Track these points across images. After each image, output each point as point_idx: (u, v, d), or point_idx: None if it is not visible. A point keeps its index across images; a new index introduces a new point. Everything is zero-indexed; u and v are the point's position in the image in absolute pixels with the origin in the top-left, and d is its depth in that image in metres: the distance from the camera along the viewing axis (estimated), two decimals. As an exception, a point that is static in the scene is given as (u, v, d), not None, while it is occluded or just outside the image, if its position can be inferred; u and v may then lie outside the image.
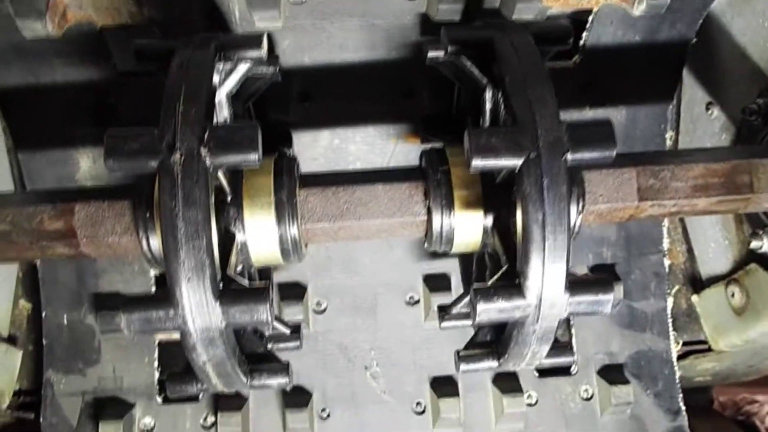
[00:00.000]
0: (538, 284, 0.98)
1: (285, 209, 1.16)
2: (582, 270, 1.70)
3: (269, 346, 1.33)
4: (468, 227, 1.20)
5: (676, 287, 1.78)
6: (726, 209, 1.30)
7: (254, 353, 1.18)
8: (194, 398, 1.62)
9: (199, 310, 0.94)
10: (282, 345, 1.36)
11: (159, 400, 1.61)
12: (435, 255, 1.66)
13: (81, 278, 1.62)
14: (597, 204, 1.22)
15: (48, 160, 1.54)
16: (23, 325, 1.71)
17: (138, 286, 1.62)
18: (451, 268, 1.66)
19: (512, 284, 1.00)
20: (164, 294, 0.96)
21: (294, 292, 1.63)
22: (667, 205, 1.25)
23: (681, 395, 1.68)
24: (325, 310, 1.65)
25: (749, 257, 1.55)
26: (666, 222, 1.73)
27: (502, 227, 1.17)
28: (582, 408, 1.66)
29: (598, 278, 1.04)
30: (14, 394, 1.68)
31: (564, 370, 1.69)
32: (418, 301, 1.66)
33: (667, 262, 1.73)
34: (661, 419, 1.67)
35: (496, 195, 1.17)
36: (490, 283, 1.05)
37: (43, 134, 1.52)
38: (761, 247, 1.42)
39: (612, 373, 1.66)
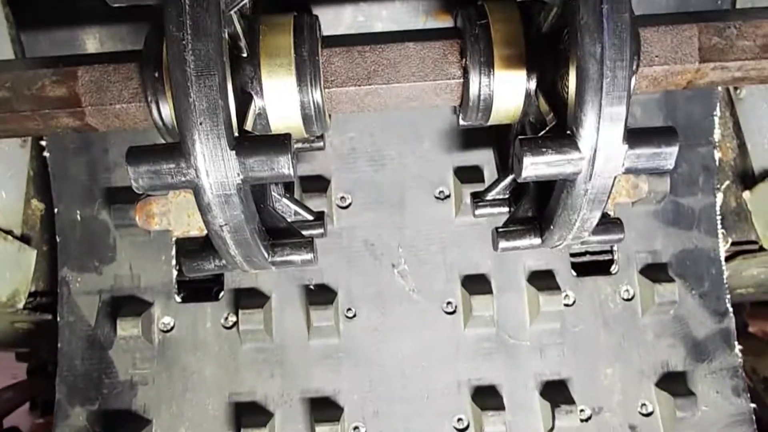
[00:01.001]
0: (593, 132, 0.86)
1: (306, 69, 1.05)
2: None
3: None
4: (509, 89, 1.08)
5: (726, 184, 1.65)
6: (796, 75, 1.17)
7: (275, 228, 1.09)
8: (214, 297, 1.55)
9: (213, 159, 0.85)
10: (305, 233, 1.27)
11: (178, 299, 1.54)
12: (467, 146, 1.56)
13: (93, 173, 1.54)
14: (652, 66, 1.09)
15: (52, 41, 1.44)
16: (36, 225, 1.65)
17: (152, 181, 1.54)
18: (484, 159, 1.55)
19: (563, 135, 0.89)
20: (175, 144, 0.86)
21: (317, 185, 1.53)
22: (732, 68, 1.12)
23: (728, 296, 1.58)
24: (349, 205, 1.55)
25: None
26: (717, 111, 1.59)
27: (548, 87, 1.05)
28: (622, 308, 1.56)
29: (660, 128, 0.92)
30: (30, 296, 1.62)
31: (603, 270, 1.59)
32: (448, 196, 1.56)
33: (717, 155, 1.60)
34: (706, 320, 1.57)
35: (541, 51, 1.05)
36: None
37: (47, 12, 1.41)
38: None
39: (655, 272, 1.56)
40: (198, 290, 1.59)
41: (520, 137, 0.90)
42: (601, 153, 0.88)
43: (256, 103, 1.06)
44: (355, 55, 1.09)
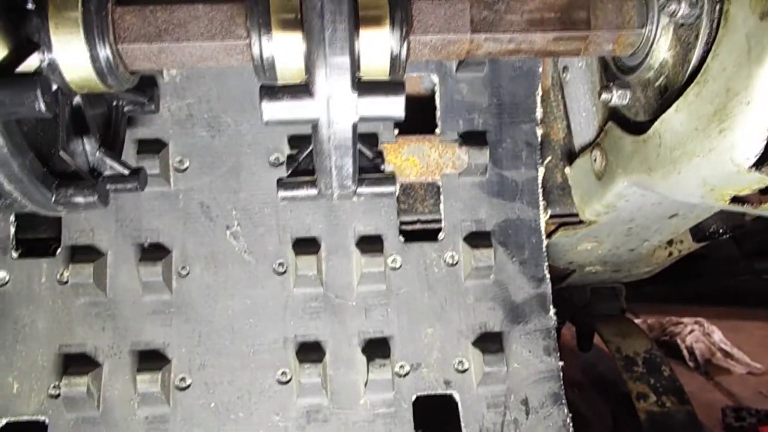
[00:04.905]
0: (322, 80, 0.95)
1: (94, 24, 1.11)
2: (452, 136, 1.69)
3: (108, 187, 1.31)
4: (288, 51, 1.16)
5: (550, 159, 1.78)
6: (566, 49, 1.29)
7: (65, 172, 1.16)
8: (52, 253, 1.60)
9: None
10: (120, 186, 1.34)
11: (14, 254, 1.58)
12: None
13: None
14: (428, 34, 1.19)
15: None
16: None
17: None
18: (317, 129, 1.64)
19: (299, 84, 0.98)
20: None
21: (154, 148, 1.59)
22: (503, 39, 1.24)
23: (546, 264, 1.70)
24: (186, 168, 1.62)
25: (608, 118, 1.54)
26: (540, 91, 1.72)
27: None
28: (446, 273, 1.67)
29: (388, 81, 1.02)
30: None
31: (430, 237, 1.69)
32: (282, 162, 1.64)
33: (539, 131, 1.72)
34: (524, 285, 1.68)
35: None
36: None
37: None
38: (610, 100, 1.40)
39: (478, 240, 1.67)
40: (36, 247, 1.63)
41: (261, 84, 0.99)
42: (333, 100, 0.97)
43: (47, 56, 1.12)
44: (146, 14, 1.16)
